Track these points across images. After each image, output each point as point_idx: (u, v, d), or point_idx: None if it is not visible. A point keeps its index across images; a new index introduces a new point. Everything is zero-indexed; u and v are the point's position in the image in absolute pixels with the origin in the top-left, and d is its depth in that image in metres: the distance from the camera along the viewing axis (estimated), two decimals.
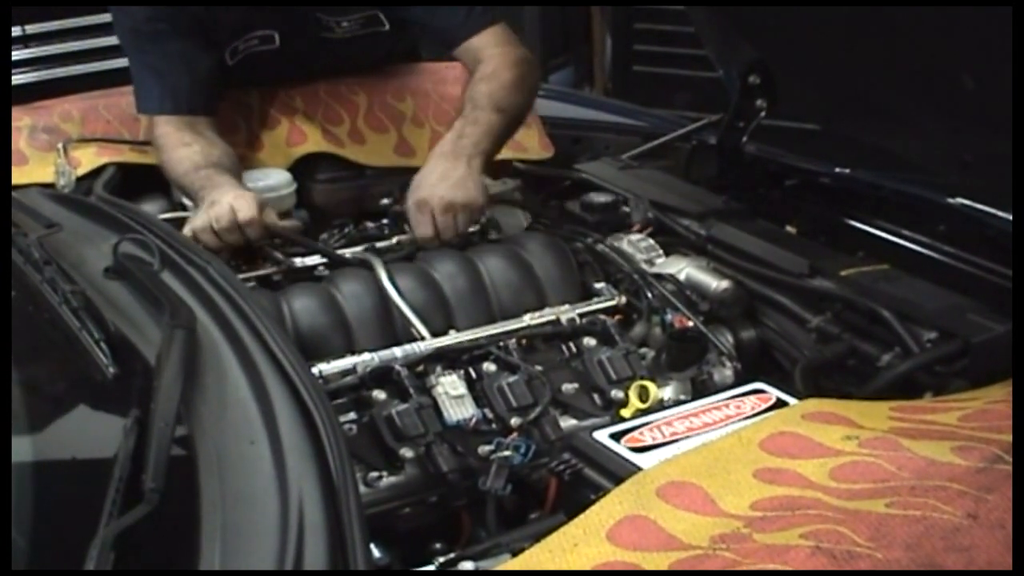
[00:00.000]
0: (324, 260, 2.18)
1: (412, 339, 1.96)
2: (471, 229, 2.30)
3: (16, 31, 4.09)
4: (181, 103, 2.48)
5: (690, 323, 2.04)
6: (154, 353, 1.51)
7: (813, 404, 1.56)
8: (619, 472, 1.52)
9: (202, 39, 2.49)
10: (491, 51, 2.42)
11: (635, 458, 1.58)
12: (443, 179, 2.22)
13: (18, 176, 2.48)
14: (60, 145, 2.58)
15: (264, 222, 2.19)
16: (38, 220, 2.01)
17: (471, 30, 2.44)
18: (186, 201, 2.34)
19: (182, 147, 2.40)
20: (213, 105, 2.53)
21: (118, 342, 1.61)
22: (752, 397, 1.74)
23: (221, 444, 1.39)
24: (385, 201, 2.43)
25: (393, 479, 1.76)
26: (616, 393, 1.92)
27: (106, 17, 3.96)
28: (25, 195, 2.18)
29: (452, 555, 1.47)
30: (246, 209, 2.17)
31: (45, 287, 1.74)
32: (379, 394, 1.83)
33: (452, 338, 1.97)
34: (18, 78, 4.00)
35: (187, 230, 2.18)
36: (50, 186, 2.49)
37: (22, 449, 1.47)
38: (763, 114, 2.57)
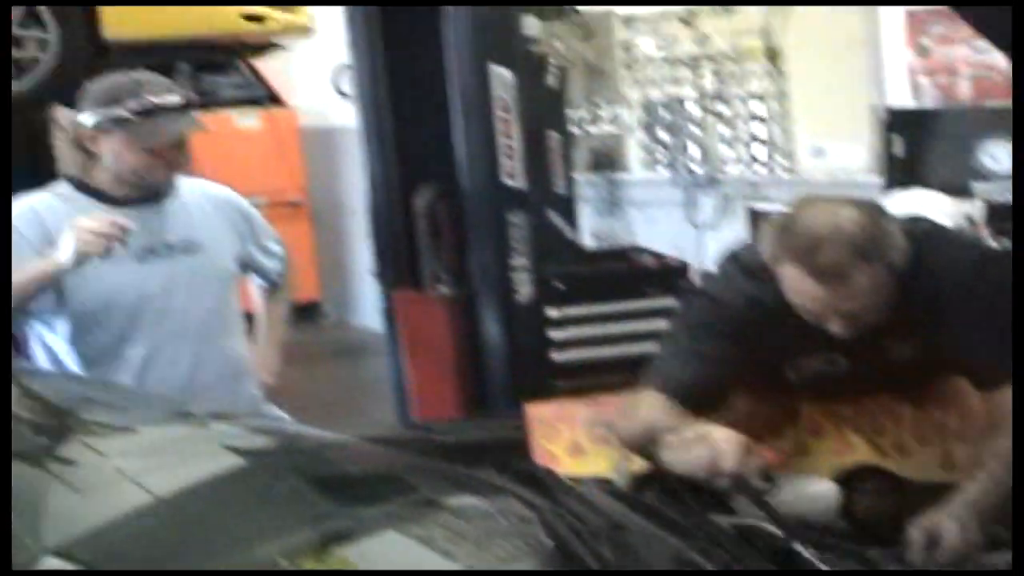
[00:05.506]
0: None
1: None
2: None
3: None
4: (678, 390, 2.46)
5: None
6: None
7: None
8: None
9: (749, 349, 2.52)
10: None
11: None
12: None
13: (576, 467, 2.63)
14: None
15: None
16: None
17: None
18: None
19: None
20: (702, 410, 2.48)
21: None
22: None
23: None
24: None
25: None
26: None
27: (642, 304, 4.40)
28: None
29: None
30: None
31: None
32: None
33: None
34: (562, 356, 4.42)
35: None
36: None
37: None
38: None
